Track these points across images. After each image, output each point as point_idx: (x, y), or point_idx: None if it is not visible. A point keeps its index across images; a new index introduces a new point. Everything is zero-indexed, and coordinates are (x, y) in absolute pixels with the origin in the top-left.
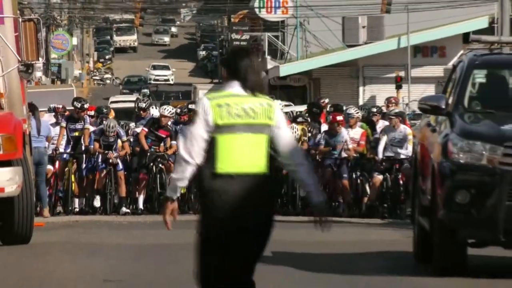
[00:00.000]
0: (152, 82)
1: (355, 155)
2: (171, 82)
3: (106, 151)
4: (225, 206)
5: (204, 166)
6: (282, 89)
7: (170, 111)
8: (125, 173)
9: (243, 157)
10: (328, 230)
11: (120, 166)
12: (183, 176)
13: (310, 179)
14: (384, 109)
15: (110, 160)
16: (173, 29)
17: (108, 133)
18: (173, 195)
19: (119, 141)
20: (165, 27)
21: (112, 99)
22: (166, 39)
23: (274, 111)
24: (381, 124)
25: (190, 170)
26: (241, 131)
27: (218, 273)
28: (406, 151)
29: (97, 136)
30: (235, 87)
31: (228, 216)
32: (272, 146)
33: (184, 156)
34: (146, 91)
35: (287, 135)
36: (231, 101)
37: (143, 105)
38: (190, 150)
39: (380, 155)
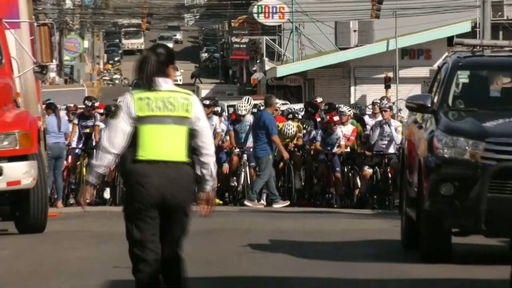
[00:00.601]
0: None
1: (347, 150)
2: (180, 82)
3: None
4: (144, 187)
5: (128, 152)
6: (279, 89)
7: None
8: None
9: (162, 145)
10: (207, 216)
11: None
12: (102, 163)
13: (210, 170)
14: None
15: None
16: (178, 36)
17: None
18: (92, 180)
19: None
20: (169, 34)
21: (120, 99)
22: (170, 45)
23: (192, 105)
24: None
25: (110, 158)
26: (160, 122)
27: (143, 246)
28: (393, 149)
29: None
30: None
31: (147, 194)
32: (192, 136)
33: (106, 145)
34: None
35: (204, 127)
36: (151, 96)
37: None
38: (112, 141)
39: (373, 142)
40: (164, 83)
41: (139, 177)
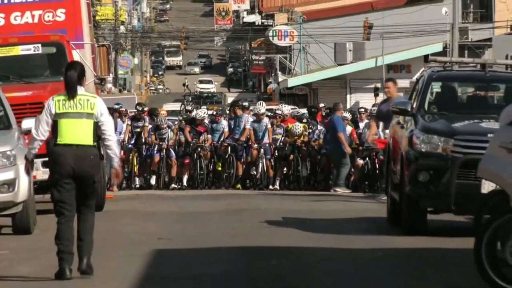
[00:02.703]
0: (198, 93)
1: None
2: (213, 90)
3: (160, 142)
4: (61, 162)
5: (52, 138)
6: (290, 97)
7: (203, 114)
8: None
9: (74, 133)
10: (114, 186)
11: (172, 153)
12: (33, 146)
13: (113, 150)
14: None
15: (163, 147)
16: (196, 70)
17: (161, 125)
18: (29, 156)
19: (171, 134)
20: (196, 60)
21: (164, 106)
22: (196, 69)
23: (95, 104)
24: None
25: (38, 142)
26: (72, 117)
27: (61, 204)
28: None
29: (153, 131)
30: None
31: (63, 168)
32: (98, 127)
33: (34, 133)
34: (189, 97)
35: (106, 120)
36: (66, 98)
37: (189, 107)
38: (38, 129)
39: (364, 139)
40: (78, 90)
41: (57, 156)
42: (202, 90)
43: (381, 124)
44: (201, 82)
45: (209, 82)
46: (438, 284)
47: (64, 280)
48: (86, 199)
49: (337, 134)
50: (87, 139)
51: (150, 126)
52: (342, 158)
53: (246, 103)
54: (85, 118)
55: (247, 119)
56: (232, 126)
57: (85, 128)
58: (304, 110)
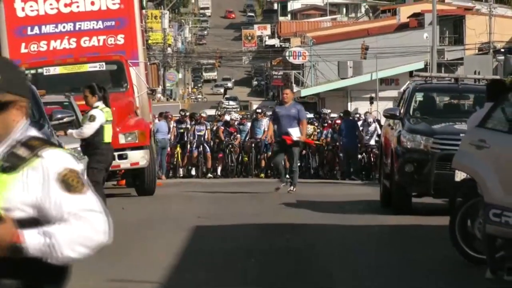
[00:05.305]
0: (226, 108)
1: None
2: (238, 108)
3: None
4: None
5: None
6: (302, 104)
7: (235, 117)
8: (210, 153)
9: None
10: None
11: (208, 148)
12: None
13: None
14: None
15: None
16: (229, 84)
17: (199, 127)
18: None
19: (207, 132)
20: (223, 82)
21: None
22: (221, 90)
23: None
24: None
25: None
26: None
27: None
28: (373, 142)
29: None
30: None
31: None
32: None
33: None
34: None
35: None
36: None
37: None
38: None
39: (362, 138)
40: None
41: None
42: (227, 106)
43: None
44: (227, 99)
45: (235, 99)
46: (421, 254)
47: None
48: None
49: (357, 133)
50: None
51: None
52: (357, 152)
53: (259, 110)
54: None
55: (267, 123)
56: (253, 128)
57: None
58: (310, 115)
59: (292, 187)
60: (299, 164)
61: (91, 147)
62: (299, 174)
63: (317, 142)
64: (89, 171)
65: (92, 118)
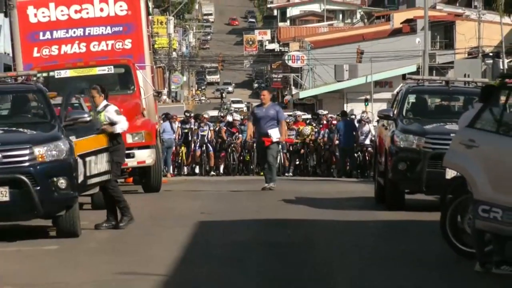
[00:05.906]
0: (232, 110)
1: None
2: (244, 110)
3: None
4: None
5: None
6: (301, 105)
7: (236, 117)
8: (213, 152)
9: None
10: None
11: (210, 148)
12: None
13: None
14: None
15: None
16: (230, 88)
17: (202, 128)
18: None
19: (209, 132)
20: (224, 86)
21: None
22: (224, 94)
23: None
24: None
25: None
26: None
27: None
28: (368, 141)
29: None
30: None
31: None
32: None
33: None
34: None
35: None
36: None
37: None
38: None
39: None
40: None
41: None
42: (235, 109)
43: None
44: (233, 102)
45: (240, 102)
46: (414, 247)
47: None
48: None
49: (354, 132)
50: None
51: (196, 127)
52: (353, 151)
53: None
54: None
55: None
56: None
57: None
58: (307, 116)
59: (272, 183)
60: (297, 163)
61: (115, 141)
62: (297, 172)
63: (296, 140)
64: (113, 165)
65: (118, 112)
